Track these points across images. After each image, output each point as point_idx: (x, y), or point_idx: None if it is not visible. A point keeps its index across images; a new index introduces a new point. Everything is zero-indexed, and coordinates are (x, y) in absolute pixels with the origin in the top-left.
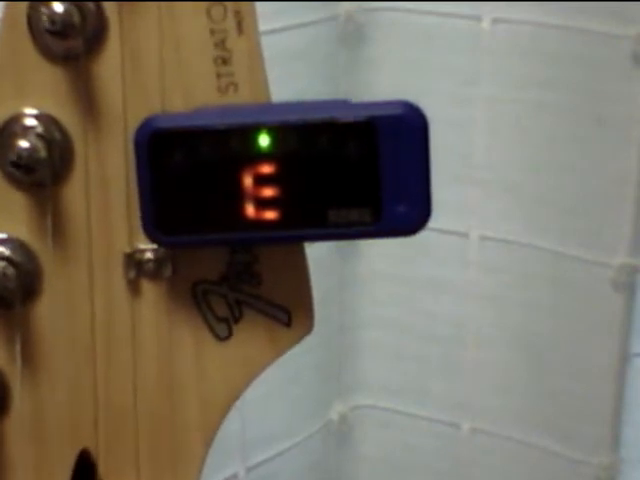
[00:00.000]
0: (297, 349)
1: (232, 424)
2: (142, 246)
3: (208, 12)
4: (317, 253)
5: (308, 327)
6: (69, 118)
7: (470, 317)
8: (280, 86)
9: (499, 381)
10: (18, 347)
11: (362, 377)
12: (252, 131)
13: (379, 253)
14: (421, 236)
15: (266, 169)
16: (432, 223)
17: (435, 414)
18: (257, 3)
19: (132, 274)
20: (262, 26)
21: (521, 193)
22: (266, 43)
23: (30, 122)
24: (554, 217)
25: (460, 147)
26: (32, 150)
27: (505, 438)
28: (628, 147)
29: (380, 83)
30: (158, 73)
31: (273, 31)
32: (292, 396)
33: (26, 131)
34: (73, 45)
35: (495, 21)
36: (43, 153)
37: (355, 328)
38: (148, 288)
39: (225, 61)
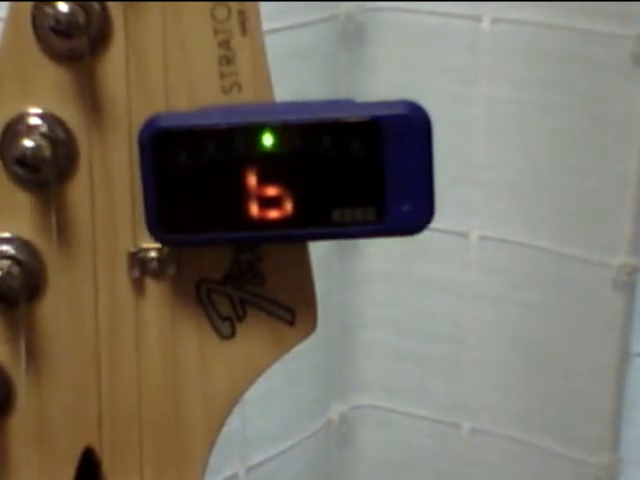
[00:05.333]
0: (297, 349)
1: (232, 424)
2: (146, 245)
3: (212, 12)
4: (317, 253)
5: (311, 326)
6: (73, 117)
7: (470, 317)
8: (280, 86)
9: (499, 381)
10: (22, 345)
11: (362, 377)
12: (256, 130)
13: (379, 253)
14: (421, 236)
15: (270, 168)
16: (432, 223)
17: (435, 414)
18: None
19: (136, 273)
20: (262, 26)
21: (521, 193)
22: (266, 43)
23: (34, 121)
24: (554, 217)
25: (460, 147)
26: (36, 149)
27: (505, 438)
28: (628, 147)
29: (380, 83)
30: (162, 73)
31: (273, 31)
32: (292, 396)
33: (30, 130)
34: (78, 45)
35: (495, 21)
36: (47, 152)
37: (355, 328)
38: (152, 287)
39: (229, 61)
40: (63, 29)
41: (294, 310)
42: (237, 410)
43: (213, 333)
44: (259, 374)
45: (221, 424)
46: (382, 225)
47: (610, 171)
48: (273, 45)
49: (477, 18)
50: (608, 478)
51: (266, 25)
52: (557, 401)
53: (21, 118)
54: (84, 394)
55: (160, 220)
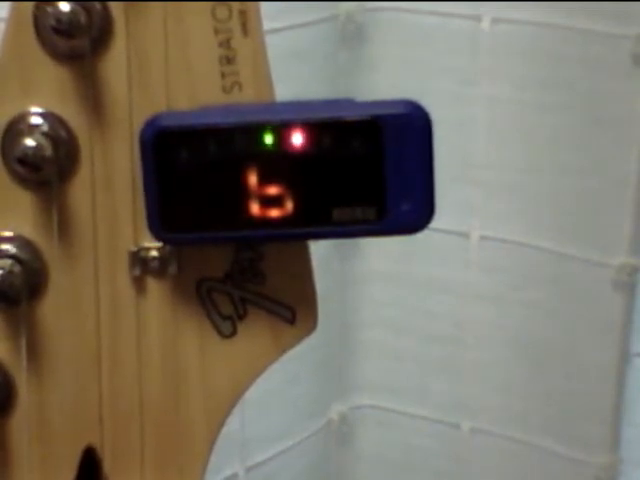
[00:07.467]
0: (297, 349)
1: (232, 424)
2: (147, 244)
3: (213, 12)
4: (317, 253)
5: (312, 325)
6: (75, 117)
7: (470, 317)
8: (280, 86)
9: (499, 381)
10: (23, 344)
11: (362, 377)
12: (257, 130)
13: (379, 253)
14: (421, 236)
15: (271, 167)
16: (432, 223)
17: (435, 414)
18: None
19: (137, 272)
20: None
21: (521, 193)
22: (266, 43)
23: (36, 120)
24: (554, 217)
25: (460, 147)
26: (38, 148)
27: (505, 438)
28: (628, 147)
29: (380, 83)
30: (163, 72)
31: (273, 31)
32: (292, 396)
33: (32, 129)
34: (79, 44)
35: (495, 21)
36: (49, 151)
37: (355, 328)
38: (153, 286)
39: (230, 60)
40: (64, 29)
41: (295, 309)
42: (237, 410)
43: (214, 332)
44: (259, 373)
45: (222, 423)
46: (382, 224)
47: (610, 171)
48: (273, 45)
49: (477, 18)
50: (608, 478)
51: (266, 25)
52: (557, 401)
53: (22, 117)
54: (85, 393)
55: (161, 219)
